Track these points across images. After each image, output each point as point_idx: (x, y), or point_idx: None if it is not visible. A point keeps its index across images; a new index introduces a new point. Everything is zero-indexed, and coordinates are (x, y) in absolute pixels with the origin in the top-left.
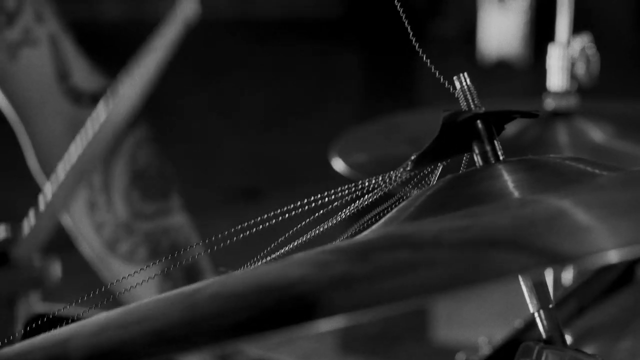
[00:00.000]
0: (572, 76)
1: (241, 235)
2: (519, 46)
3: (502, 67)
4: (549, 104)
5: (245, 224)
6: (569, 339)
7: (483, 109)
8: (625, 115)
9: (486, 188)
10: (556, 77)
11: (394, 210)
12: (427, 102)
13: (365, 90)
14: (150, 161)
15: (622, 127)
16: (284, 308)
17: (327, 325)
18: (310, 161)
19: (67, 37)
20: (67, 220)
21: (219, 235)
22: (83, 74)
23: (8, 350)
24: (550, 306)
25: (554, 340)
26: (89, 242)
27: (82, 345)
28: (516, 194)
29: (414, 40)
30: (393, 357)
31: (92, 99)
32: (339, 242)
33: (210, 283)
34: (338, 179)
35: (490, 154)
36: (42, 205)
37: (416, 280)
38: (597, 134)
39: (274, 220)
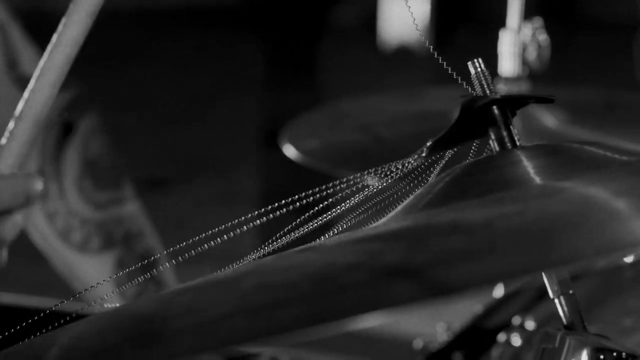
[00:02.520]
0: (523, 62)
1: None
2: (420, 33)
3: (403, 54)
4: (501, 89)
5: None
6: (531, 324)
7: (499, 95)
8: (577, 101)
9: (507, 174)
10: (507, 63)
11: (411, 197)
12: (330, 89)
13: (268, 80)
14: (101, 150)
15: (574, 113)
16: (345, 299)
17: (392, 315)
18: (217, 150)
19: (15, 25)
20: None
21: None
22: (32, 62)
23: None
24: (571, 292)
25: (574, 326)
26: (41, 232)
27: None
28: (537, 179)
29: (418, 29)
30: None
31: None
32: (371, 230)
33: (242, 273)
34: (249, 167)
35: (507, 139)
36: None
37: (484, 266)
38: (549, 119)
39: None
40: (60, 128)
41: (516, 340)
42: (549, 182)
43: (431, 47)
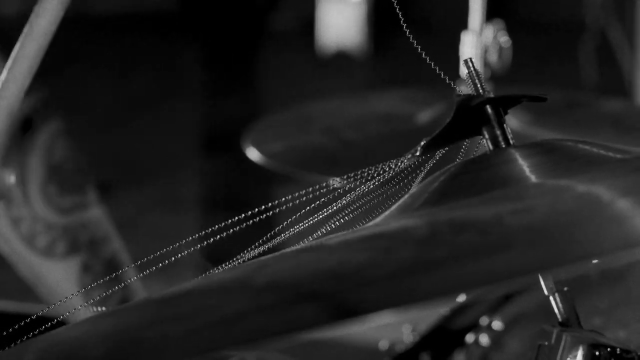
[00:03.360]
0: (485, 63)
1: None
2: (358, 37)
3: (341, 59)
4: (463, 91)
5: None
6: (498, 324)
7: (492, 94)
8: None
9: (503, 172)
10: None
11: (406, 197)
12: (269, 94)
13: (206, 85)
14: (65, 155)
15: (536, 114)
16: (363, 295)
17: (410, 311)
18: (158, 156)
19: None
20: None
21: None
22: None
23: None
24: (565, 289)
25: (570, 323)
26: (5, 238)
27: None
28: (533, 178)
29: (411, 37)
30: (311, 351)
31: None
32: (373, 229)
33: (251, 270)
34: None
35: (500, 138)
36: None
37: (501, 262)
38: (511, 121)
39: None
40: (24, 133)
41: (484, 341)
42: (545, 180)
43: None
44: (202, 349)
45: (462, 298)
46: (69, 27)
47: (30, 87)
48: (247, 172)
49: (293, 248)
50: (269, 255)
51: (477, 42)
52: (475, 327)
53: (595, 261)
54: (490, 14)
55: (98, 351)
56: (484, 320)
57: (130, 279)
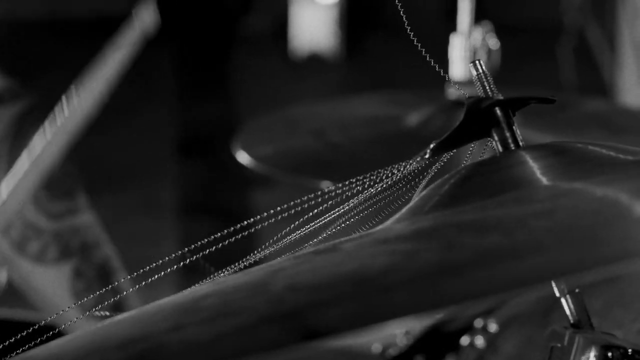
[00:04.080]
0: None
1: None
2: (331, 40)
3: (314, 62)
4: (452, 93)
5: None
6: (493, 326)
7: (501, 96)
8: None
9: (514, 174)
10: (458, 67)
11: (417, 199)
12: (243, 98)
13: (180, 89)
14: (55, 161)
15: (525, 115)
16: (387, 300)
17: (435, 315)
18: (133, 161)
19: None
20: None
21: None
22: None
23: None
24: (577, 290)
25: (582, 324)
26: None
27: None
28: (544, 180)
29: (411, 36)
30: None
31: None
32: (388, 232)
33: (268, 275)
34: (167, 177)
35: (510, 140)
36: None
37: (531, 265)
38: None
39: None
40: (14, 139)
41: (480, 343)
42: (557, 182)
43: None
44: (225, 355)
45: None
46: (45, 31)
47: (19, 93)
48: (224, 175)
49: (306, 251)
50: (282, 259)
51: (466, 45)
52: (470, 329)
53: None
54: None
55: (117, 358)
56: (478, 322)
57: (122, 285)
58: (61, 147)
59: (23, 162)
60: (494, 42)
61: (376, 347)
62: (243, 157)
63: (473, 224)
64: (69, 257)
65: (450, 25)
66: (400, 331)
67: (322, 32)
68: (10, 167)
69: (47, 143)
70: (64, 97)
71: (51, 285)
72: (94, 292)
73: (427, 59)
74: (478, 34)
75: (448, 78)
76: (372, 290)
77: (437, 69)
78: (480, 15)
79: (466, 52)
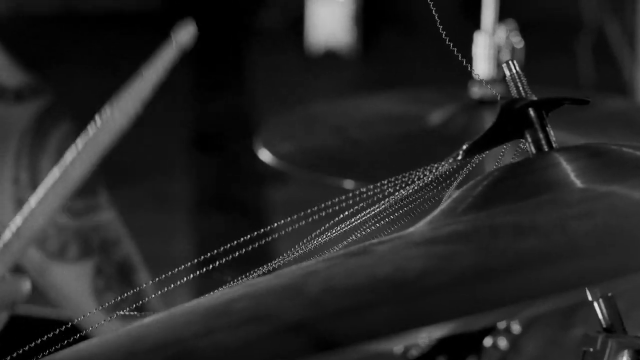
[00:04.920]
0: (498, 64)
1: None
2: (347, 36)
3: (330, 57)
4: (475, 92)
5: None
6: (517, 327)
7: (534, 97)
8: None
9: (547, 177)
10: (482, 65)
11: (449, 201)
12: (257, 92)
13: (194, 83)
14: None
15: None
16: (426, 304)
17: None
18: (146, 155)
19: None
20: None
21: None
22: (4, 70)
23: None
24: (610, 294)
25: (614, 328)
26: None
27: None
28: (578, 183)
29: (441, 29)
30: None
31: (16, 95)
32: (424, 234)
33: (302, 277)
34: (179, 171)
35: (543, 141)
36: (18, 224)
37: (570, 269)
38: None
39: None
40: (35, 136)
41: (503, 344)
42: (592, 184)
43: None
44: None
45: None
46: (56, 25)
47: (39, 89)
48: (238, 170)
49: (338, 252)
50: (315, 261)
51: (490, 43)
52: (492, 330)
53: None
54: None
55: None
56: (501, 323)
57: (145, 288)
58: (92, 160)
59: (54, 174)
60: (517, 40)
61: (398, 348)
62: (264, 155)
63: (509, 226)
64: (90, 255)
65: (469, 21)
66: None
67: (338, 28)
68: (31, 164)
69: (77, 155)
70: (98, 112)
71: (72, 283)
72: (114, 289)
73: (458, 58)
74: (502, 32)
75: (478, 76)
76: (410, 294)
77: (467, 68)
78: (501, 11)
79: (490, 51)
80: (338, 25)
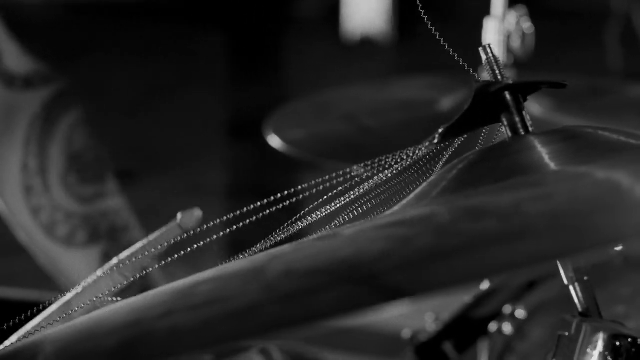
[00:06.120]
0: (508, 50)
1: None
2: (383, 23)
3: (366, 45)
4: (485, 77)
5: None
6: (522, 313)
7: (511, 80)
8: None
9: (522, 160)
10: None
11: (424, 185)
12: (293, 81)
13: (230, 72)
14: (86, 144)
15: (560, 100)
16: (379, 283)
17: (421, 300)
18: (181, 143)
19: None
20: (1, 206)
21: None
22: (14, 57)
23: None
24: (585, 278)
25: (590, 313)
26: (25, 227)
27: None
28: (552, 165)
29: (427, 21)
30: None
31: (25, 83)
32: (391, 218)
33: (266, 261)
34: (214, 160)
35: (519, 125)
36: None
37: (521, 250)
38: (534, 107)
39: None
40: (44, 123)
41: (508, 329)
42: (565, 167)
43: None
44: (214, 340)
45: (484, 286)
46: (92, 14)
47: (49, 77)
48: (272, 159)
49: (309, 237)
50: (285, 246)
51: (500, 29)
52: (498, 316)
53: (617, 248)
54: (515, 0)
55: (110, 343)
56: (507, 309)
57: (150, 268)
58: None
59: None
60: (528, 26)
61: (406, 333)
62: (275, 141)
63: (471, 209)
64: (97, 241)
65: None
66: (430, 317)
67: (375, 16)
68: (40, 151)
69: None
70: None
71: (80, 269)
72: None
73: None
74: (512, 17)
75: (477, 78)
76: (366, 275)
77: (456, 58)
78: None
79: (500, 36)
80: (374, 13)
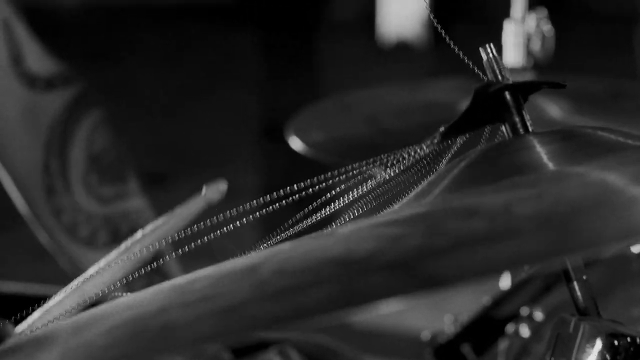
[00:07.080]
0: (528, 52)
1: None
2: (419, 27)
3: (401, 49)
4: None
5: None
6: (540, 315)
7: (511, 81)
8: (582, 90)
9: (521, 159)
10: (512, 54)
11: (424, 184)
12: (328, 83)
13: (265, 74)
14: (107, 144)
15: (579, 103)
16: (367, 282)
17: (410, 299)
18: (214, 145)
19: (19, 21)
20: (23, 207)
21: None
22: (36, 58)
23: None
24: (584, 277)
25: (588, 312)
26: (47, 228)
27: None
28: (551, 165)
29: (436, 23)
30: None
31: (47, 84)
32: (387, 216)
33: (260, 260)
34: (248, 161)
35: (519, 125)
36: None
37: (506, 250)
38: (554, 110)
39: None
40: (65, 124)
41: (525, 331)
42: (563, 167)
43: None
44: (206, 337)
45: (505, 286)
46: (125, 16)
47: (70, 79)
48: (305, 160)
49: (306, 237)
50: (282, 244)
51: (520, 31)
52: (516, 318)
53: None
54: (538, 2)
55: (104, 341)
56: (524, 311)
57: (163, 261)
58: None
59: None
60: (548, 29)
61: (425, 335)
62: (296, 143)
63: (463, 209)
64: (119, 242)
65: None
66: (448, 319)
67: (410, 19)
68: (61, 152)
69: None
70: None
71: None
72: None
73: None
74: (532, 20)
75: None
76: (354, 273)
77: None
78: (557, 1)
79: (520, 39)
80: (410, 16)
